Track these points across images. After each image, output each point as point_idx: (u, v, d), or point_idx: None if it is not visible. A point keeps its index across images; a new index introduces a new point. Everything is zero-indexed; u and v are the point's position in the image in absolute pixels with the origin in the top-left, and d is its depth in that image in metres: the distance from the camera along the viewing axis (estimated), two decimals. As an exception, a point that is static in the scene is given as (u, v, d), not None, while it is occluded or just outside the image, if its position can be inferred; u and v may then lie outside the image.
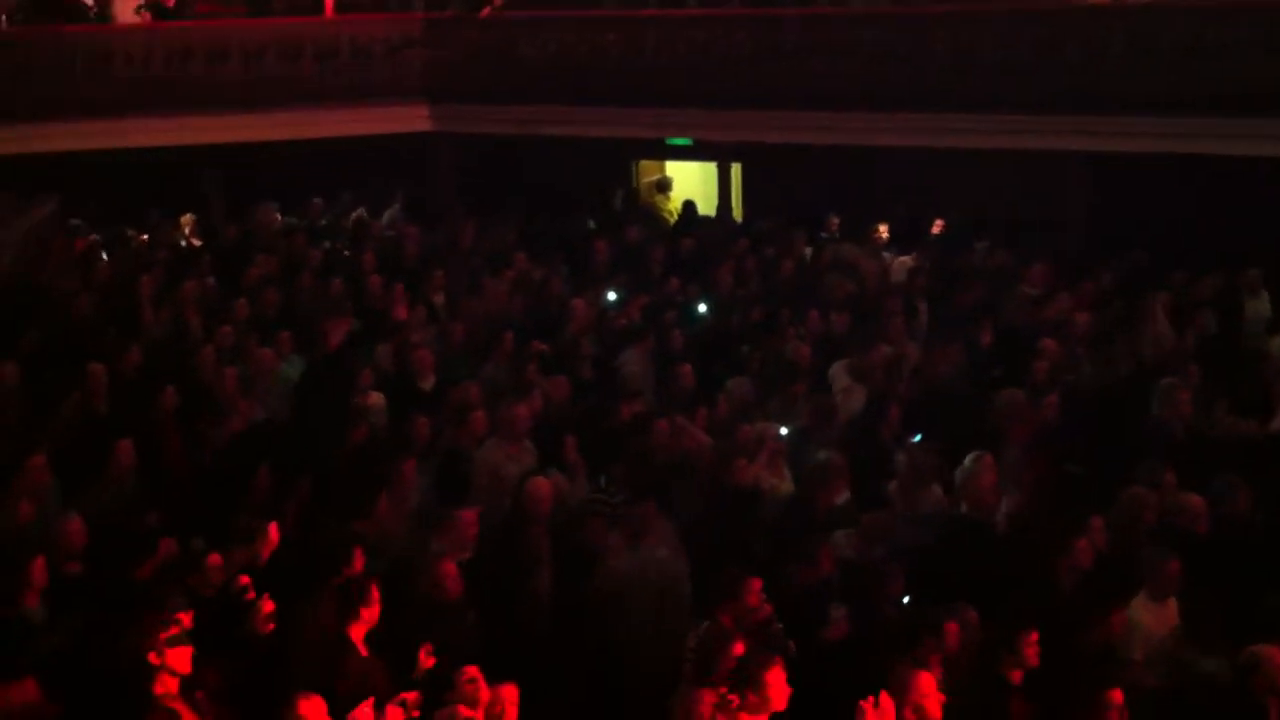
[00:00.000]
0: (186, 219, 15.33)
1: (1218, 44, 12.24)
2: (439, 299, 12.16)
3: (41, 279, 13.01)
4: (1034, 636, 5.87)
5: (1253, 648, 5.87)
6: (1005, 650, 5.90)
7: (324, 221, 15.77)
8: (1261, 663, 5.75)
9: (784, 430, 8.90)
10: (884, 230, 14.23)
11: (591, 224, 15.36)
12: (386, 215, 16.00)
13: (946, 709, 5.52)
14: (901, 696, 5.44)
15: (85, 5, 15.84)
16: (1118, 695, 5.50)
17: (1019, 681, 5.90)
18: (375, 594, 6.29)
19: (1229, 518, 7.49)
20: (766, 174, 16.19)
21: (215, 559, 6.91)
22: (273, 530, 7.18)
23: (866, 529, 7.56)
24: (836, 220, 14.60)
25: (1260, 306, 11.64)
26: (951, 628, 6.04)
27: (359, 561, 6.87)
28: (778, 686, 5.46)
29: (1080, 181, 14.16)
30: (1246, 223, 12.55)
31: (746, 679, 5.48)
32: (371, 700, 5.61)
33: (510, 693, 5.71)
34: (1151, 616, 6.54)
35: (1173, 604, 6.61)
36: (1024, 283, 11.97)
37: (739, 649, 5.77)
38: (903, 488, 8.09)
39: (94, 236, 14.57)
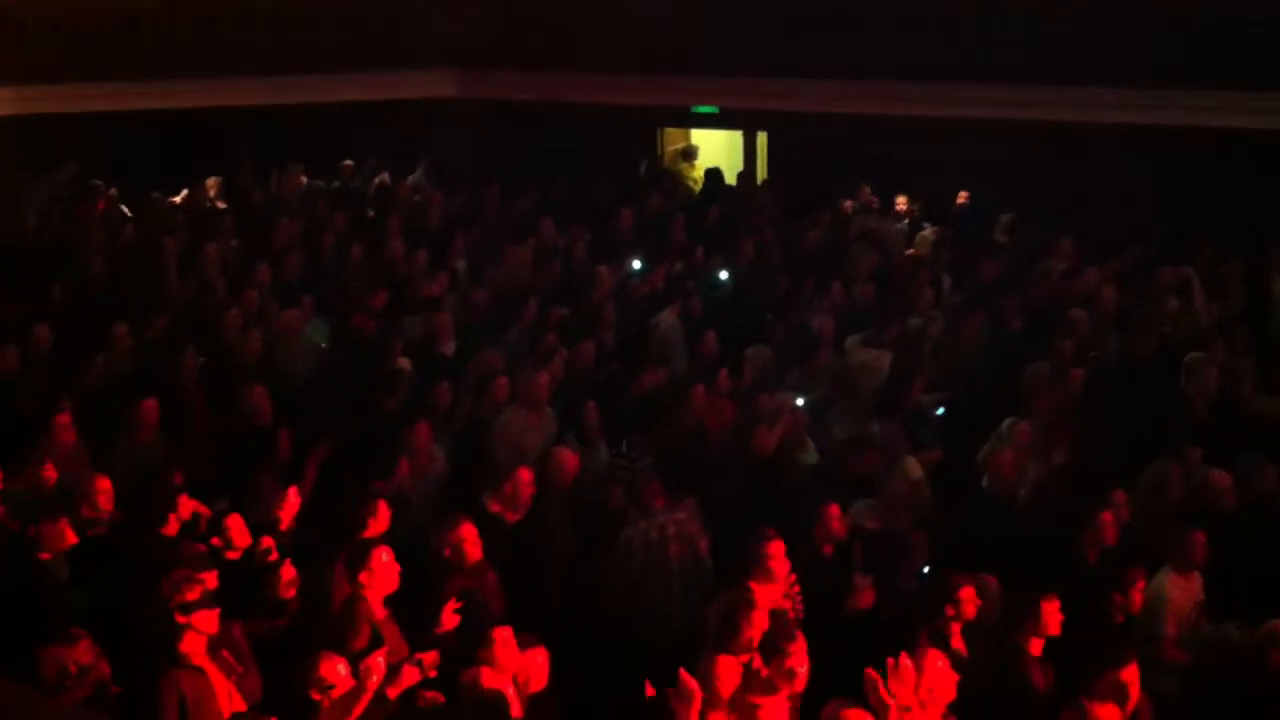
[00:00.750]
0: (211, 182, 15.34)
1: (1251, 18, 12.12)
2: (461, 265, 12.15)
3: (65, 239, 13.07)
4: (1055, 605, 5.85)
5: (1274, 622, 5.85)
6: (1025, 618, 5.88)
7: (354, 184, 15.80)
8: (1282, 637, 5.73)
9: (801, 400, 8.87)
10: (903, 202, 14.18)
11: (614, 192, 15.32)
12: (410, 180, 15.97)
13: (965, 678, 5.50)
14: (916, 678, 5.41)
15: None
16: (1133, 667, 5.48)
17: (1038, 652, 5.90)
18: (388, 556, 6.32)
19: (1255, 494, 7.44)
20: (792, 143, 16.11)
21: (237, 520, 6.96)
22: (293, 493, 7.22)
23: (887, 499, 7.55)
24: (868, 189, 14.55)
25: (1289, 283, 11.53)
26: (968, 594, 6.03)
27: (383, 520, 6.92)
28: (800, 659, 5.46)
29: (1108, 155, 14.05)
30: (1276, 199, 12.43)
31: (773, 653, 5.48)
32: (385, 650, 5.63)
33: (539, 657, 5.73)
34: (1178, 590, 6.51)
35: (1197, 578, 6.59)
36: (1051, 257, 11.89)
37: (762, 617, 5.77)
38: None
39: (112, 193, 14.61)
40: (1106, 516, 6.90)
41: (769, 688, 5.37)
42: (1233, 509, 7.32)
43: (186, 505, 7.16)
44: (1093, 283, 10.97)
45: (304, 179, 15.33)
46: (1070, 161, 14.02)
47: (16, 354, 9.39)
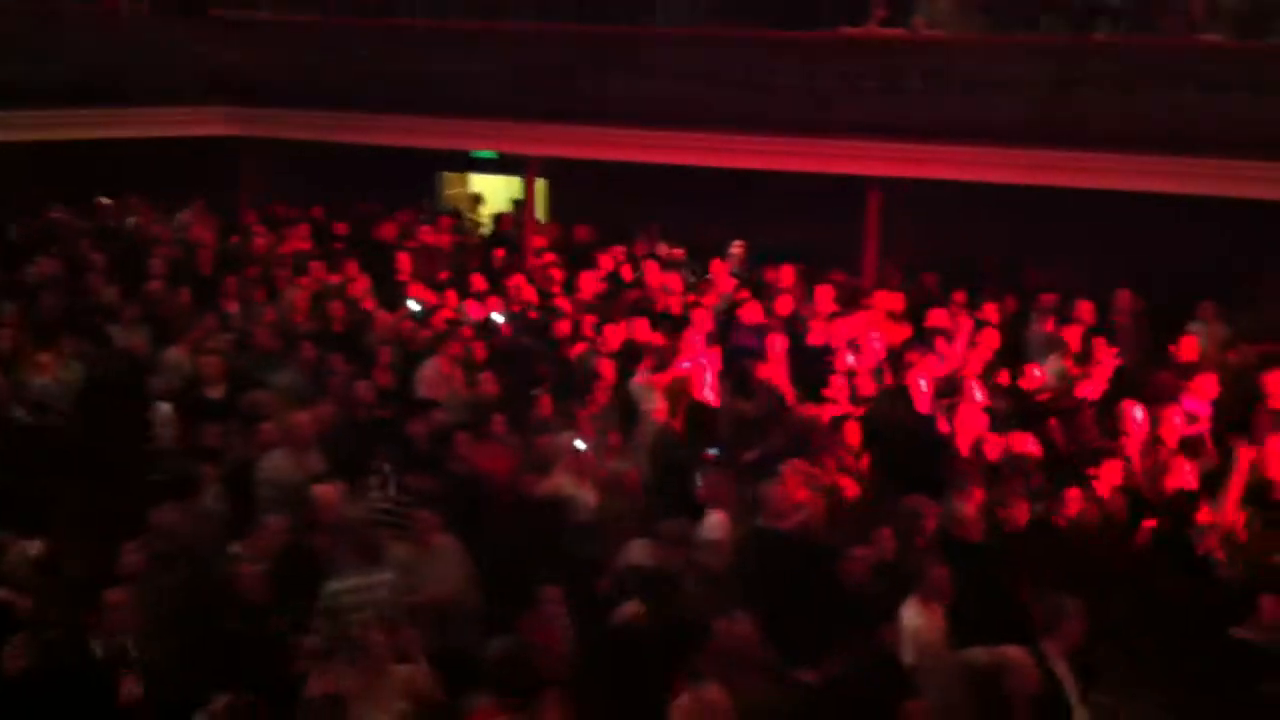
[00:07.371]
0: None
1: None
2: (233, 306, 11.86)
3: None
4: None
5: (1005, 650, 6.16)
6: None
7: (112, 222, 15.27)
8: (1014, 665, 6.04)
9: (581, 444, 8.93)
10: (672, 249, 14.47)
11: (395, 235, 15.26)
12: (177, 220, 15.50)
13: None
14: None
15: None
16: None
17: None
18: None
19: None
20: (570, 189, 16.28)
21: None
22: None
23: (664, 535, 7.63)
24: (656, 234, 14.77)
25: None
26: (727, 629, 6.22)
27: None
28: None
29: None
30: None
31: None
32: None
33: None
34: (923, 620, 6.73)
35: (939, 609, 6.82)
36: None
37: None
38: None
39: None
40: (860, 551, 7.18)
41: None
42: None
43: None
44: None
45: (68, 216, 14.77)
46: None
47: None
